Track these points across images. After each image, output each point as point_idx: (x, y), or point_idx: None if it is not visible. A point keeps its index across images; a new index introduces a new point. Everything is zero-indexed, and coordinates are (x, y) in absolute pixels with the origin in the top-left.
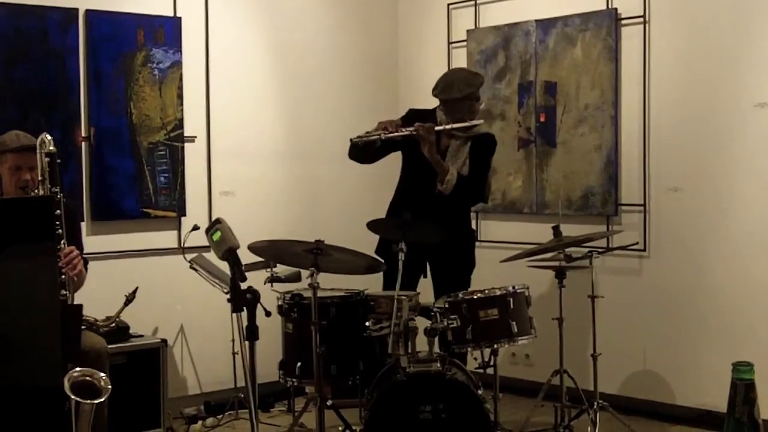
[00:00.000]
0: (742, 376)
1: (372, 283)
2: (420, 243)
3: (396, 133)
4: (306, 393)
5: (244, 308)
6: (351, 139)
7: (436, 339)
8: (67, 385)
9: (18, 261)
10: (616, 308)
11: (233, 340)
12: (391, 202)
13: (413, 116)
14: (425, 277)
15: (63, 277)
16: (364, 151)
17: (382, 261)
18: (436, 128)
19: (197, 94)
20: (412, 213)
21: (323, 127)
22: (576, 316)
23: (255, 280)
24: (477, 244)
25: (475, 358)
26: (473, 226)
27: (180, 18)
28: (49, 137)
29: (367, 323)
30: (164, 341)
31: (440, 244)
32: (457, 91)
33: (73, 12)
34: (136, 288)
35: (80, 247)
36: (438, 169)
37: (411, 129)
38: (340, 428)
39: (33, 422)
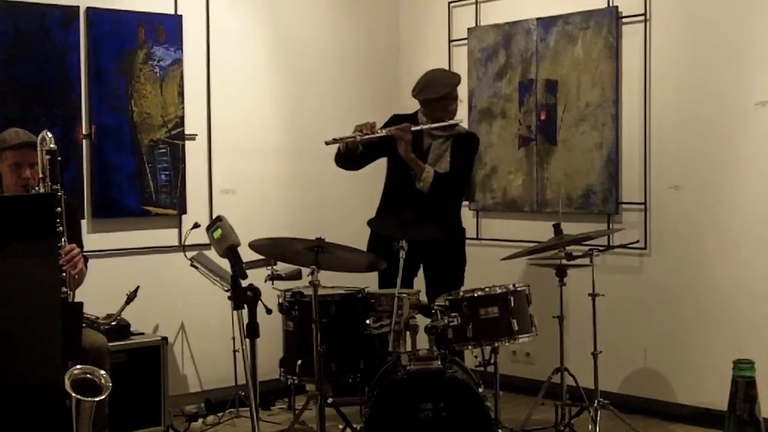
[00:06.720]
0: (742, 374)
1: (372, 281)
2: (412, 242)
3: (372, 135)
4: (306, 391)
5: (245, 306)
6: (326, 142)
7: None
8: (67, 382)
9: (18, 259)
10: (617, 306)
11: (234, 338)
12: (379, 206)
13: (395, 121)
14: (416, 276)
15: (63, 274)
16: (348, 157)
17: (383, 259)
18: (413, 128)
19: (198, 92)
20: (402, 214)
21: (324, 125)
22: (576, 314)
23: (256, 277)
24: (477, 242)
25: (476, 356)
26: (475, 224)
27: (181, 16)
28: (50, 135)
29: (367, 321)
30: (165, 339)
31: (431, 242)
32: (434, 91)
33: (74, 9)
34: (138, 287)
35: (80, 245)
36: (415, 168)
37: (387, 130)
38: (340, 426)
39: (33, 420)
